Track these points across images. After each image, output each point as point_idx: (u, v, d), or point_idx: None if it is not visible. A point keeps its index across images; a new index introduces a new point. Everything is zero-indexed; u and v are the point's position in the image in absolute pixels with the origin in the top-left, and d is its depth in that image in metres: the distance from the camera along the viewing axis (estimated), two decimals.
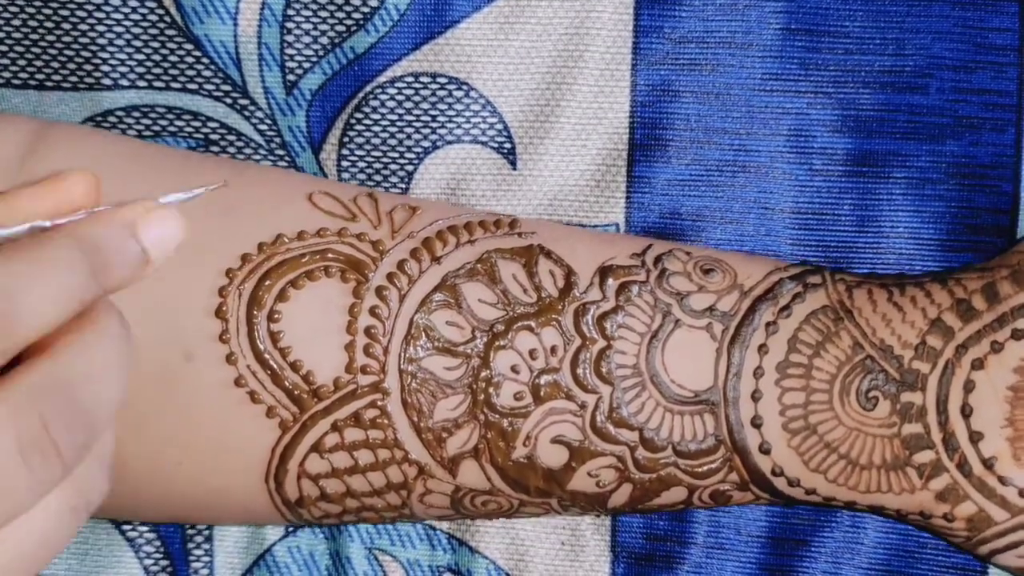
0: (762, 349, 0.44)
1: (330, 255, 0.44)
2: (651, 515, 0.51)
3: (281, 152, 0.51)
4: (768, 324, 0.44)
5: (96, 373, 0.32)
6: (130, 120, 0.51)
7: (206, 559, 0.52)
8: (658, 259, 0.45)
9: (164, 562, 0.52)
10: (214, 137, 0.51)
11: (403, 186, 0.51)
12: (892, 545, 0.50)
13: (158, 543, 0.52)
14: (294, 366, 0.43)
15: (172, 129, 0.51)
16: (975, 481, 0.43)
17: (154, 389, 0.43)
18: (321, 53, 0.50)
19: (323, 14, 0.50)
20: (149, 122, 0.51)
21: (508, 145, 0.51)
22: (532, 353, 0.43)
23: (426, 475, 0.44)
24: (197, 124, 0.51)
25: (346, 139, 0.51)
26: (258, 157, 0.51)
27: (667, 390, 0.43)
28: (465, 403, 0.43)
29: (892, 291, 0.45)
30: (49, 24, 0.50)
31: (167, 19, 0.50)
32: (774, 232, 0.50)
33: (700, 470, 0.44)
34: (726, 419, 0.43)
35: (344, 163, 0.51)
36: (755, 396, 0.43)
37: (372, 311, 0.43)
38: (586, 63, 0.50)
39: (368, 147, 0.51)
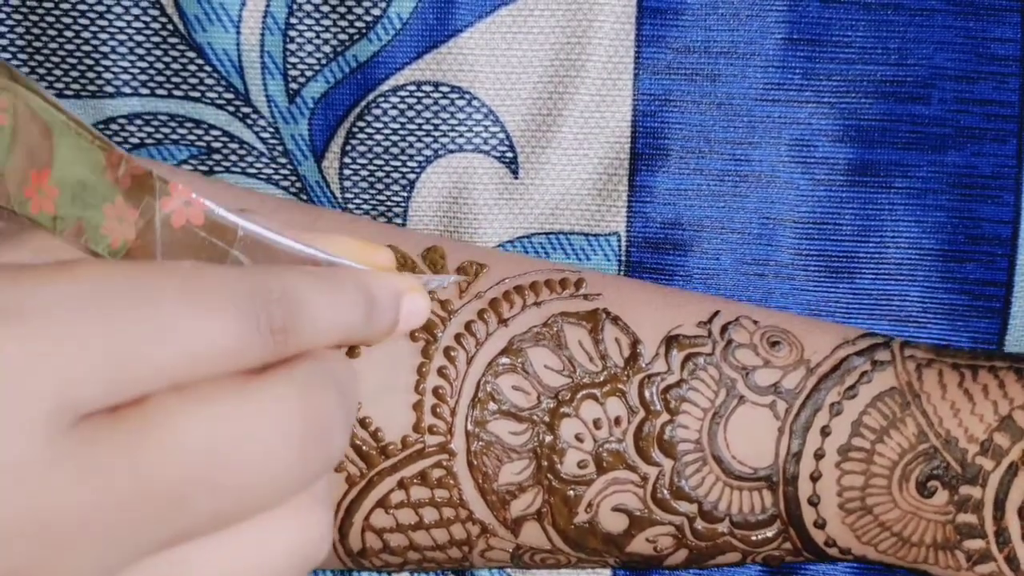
0: (824, 431, 0.44)
1: None
2: None
3: (283, 160, 0.51)
4: (832, 404, 0.44)
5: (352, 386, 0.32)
6: (132, 128, 0.51)
7: None
8: (724, 328, 0.45)
9: None
10: (216, 145, 0.51)
11: (405, 195, 0.51)
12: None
13: None
14: (363, 422, 0.43)
15: (174, 137, 0.51)
16: (1021, 573, 0.43)
17: None
18: (324, 61, 0.50)
19: (326, 23, 0.50)
20: (151, 130, 0.51)
21: (510, 154, 0.51)
22: (596, 423, 0.44)
23: (489, 534, 0.45)
24: (199, 132, 0.51)
25: (348, 147, 0.51)
26: (260, 165, 0.51)
27: (728, 466, 0.44)
28: (530, 468, 0.44)
29: (964, 375, 0.44)
30: (52, 32, 0.50)
31: (170, 27, 0.50)
32: (775, 242, 0.50)
33: (755, 539, 0.44)
34: (784, 496, 0.44)
35: (346, 171, 0.51)
36: (814, 476, 0.44)
37: (440, 372, 0.44)
38: (588, 72, 0.50)
39: (370, 155, 0.51)
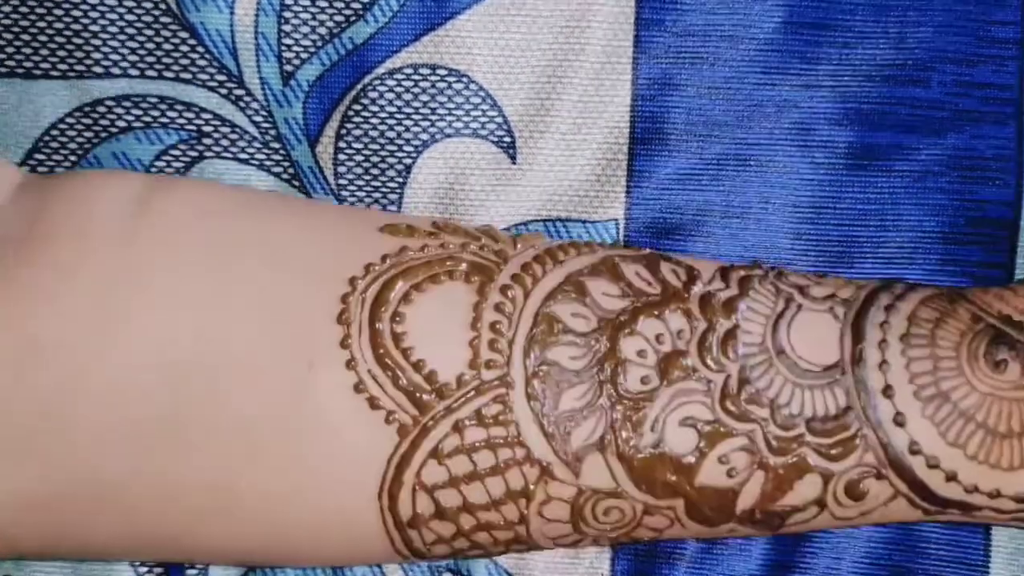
0: (884, 325, 0.43)
1: (454, 262, 0.43)
2: None
3: (276, 145, 0.50)
4: (887, 306, 0.43)
5: None
6: (120, 110, 0.50)
7: (201, 564, 0.51)
8: (774, 267, 0.45)
9: (158, 568, 0.50)
10: (207, 129, 0.50)
11: (400, 180, 0.50)
12: (894, 539, 0.50)
13: None
14: (416, 366, 0.42)
15: (164, 120, 0.50)
16: None
17: (275, 403, 0.42)
18: (319, 43, 0.49)
19: (321, 4, 0.49)
20: (140, 112, 0.50)
21: (508, 139, 0.50)
22: (659, 338, 0.43)
23: (548, 476, 0.42)
24: (190, 115, 0.50)
25: (344, 131, 0.50)
26: (252, 150, 0.50)
27: (794, 364, 0.43)
28: (591, 391, 0.42)
29: (999, 284, 0.45)
30: (40, 10, 0.49)
31: (162, 6, 0.49)
32: (775, 226, 0.50)
33: (834, 451, 0.42)
34: (856, 391, 0.42)
35: (341, 156, 0.50)
36: (883, 367, 0.42)
37: (497, 307, 0.43)
38: (587, 56, 0.50)
39: (366, 140, 0.50)
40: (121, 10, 0.49)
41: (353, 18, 0.49)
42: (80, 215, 0.43)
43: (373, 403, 0.42)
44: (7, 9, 0.49)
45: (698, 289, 0.44)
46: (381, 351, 0.42)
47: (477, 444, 0.42)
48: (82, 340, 0.41)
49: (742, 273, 0.44)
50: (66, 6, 0.49)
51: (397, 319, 0.42)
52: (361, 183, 0.50)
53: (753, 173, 0.50)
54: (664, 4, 0.49)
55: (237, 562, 0.49)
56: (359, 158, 0.50)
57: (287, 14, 0.49)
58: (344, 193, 0.50)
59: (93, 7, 0.49)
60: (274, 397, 0.42)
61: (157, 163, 0.50)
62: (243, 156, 0.50)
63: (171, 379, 0.41)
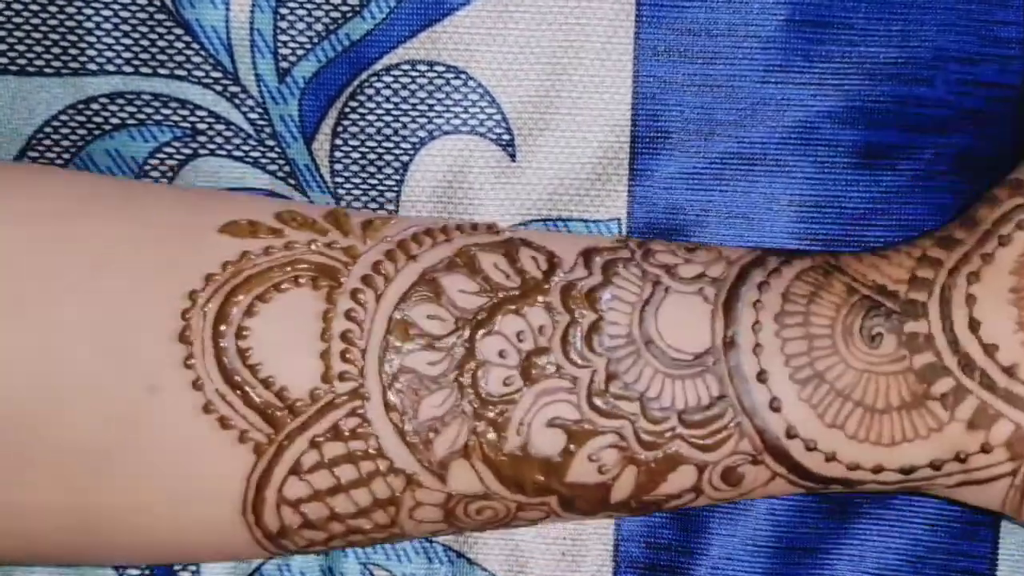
0: (757, 304, 0.42)
1: (300, 266, 0.41)
2: (655, 525, 0.49)
3: (271, 143, 0.49)
4: (760, 284, 0.42)
5: None
6: (114, 107, 0.49)
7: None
8: (641, 243, 0.44)
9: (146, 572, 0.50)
10: (201, 127, 0.49)
11: (398, 177, 0.49)
12: (900, 551, 0.49)
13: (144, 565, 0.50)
14: (266, 383, 0.40)
15: (157, 117, 0.49)
16: (1002, 393, 0.40)
17: (118, 429, 0.40)
18: (315, 40, 0.49)
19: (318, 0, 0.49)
20: (134, 109, 0.49)
21: (507, 136, 0.49)
22: (520, 335, 0.41)
23: (414, 485, 0.41)
24: (184, 112, 0.49)
25: (340, 128, 0.49)
26: (247, 148, 0.49)
27: (664, 355, 0.41)
28: (451, 397, 0.40)
29: (874, 248, 0.44)
30: (34, 7, 0.48)
31: (157, 2, 0.48)
32: (779, 225, 0.49)
33: (708, 441, 0.41)
34: (730, 378, 0.41)
35: (337, 154, 0.49)
36: (756, 350, 0.41)
37: (347, 314, 0.41)
38: (587, 53, 0.49)
39: (363, 137, 0.49)
40: (115, 7, 0.48)
41: (350, 14, 0.49)
42: None
43: (224, 423, 0.40)
44: (1, 6, 0.48)
45: (559, 279, 0.42)
46: (228, 369, 0.40)
47: (337, 458, 0.41)
48: None
49: (607, 257, 0.43)
50: (60, 3, 0.48)
51: (242, 334, 0.40)
52: (358, 180, 0.49)
53: (756, 172, 0.49)
54: (665, 1, 0.49)
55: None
56: (356, 155, 0.49)
57: (283, 10, 0.49)
58: (340, 191, 0.49)
59: (87, 3, 0.48)
60: (116, 418, 0.40)
61: (151, 160, 0.49)
62: (237, 154, 0.49)
63: (9, 403, 0.40)
